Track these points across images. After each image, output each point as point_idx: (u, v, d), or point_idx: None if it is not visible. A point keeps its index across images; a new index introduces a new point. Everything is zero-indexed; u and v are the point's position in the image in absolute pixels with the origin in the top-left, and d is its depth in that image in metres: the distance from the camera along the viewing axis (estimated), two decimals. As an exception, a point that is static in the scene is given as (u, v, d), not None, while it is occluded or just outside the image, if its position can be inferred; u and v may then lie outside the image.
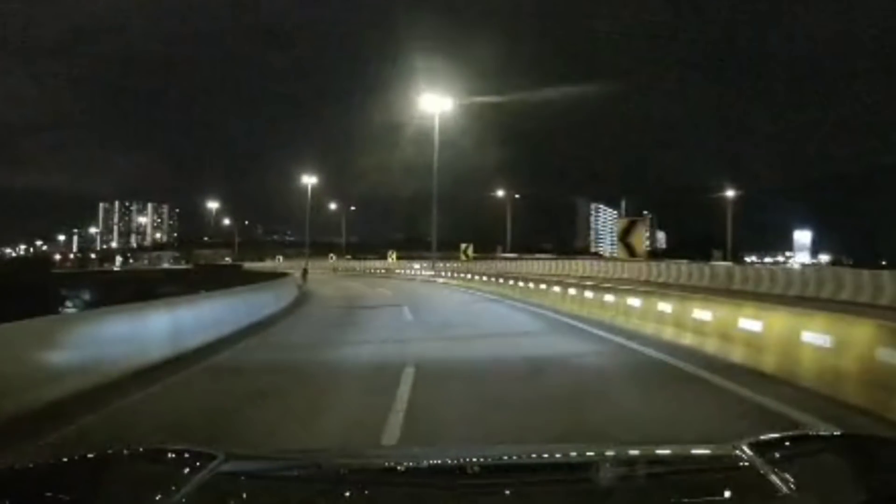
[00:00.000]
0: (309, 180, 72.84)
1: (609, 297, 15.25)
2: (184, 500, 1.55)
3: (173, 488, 1.60)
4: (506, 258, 63.57)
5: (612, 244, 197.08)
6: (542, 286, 21.47)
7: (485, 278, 30.39)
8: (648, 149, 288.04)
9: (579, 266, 47.19)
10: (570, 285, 19.35)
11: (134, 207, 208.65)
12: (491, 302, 22.95)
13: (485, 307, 21.02)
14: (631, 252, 34.02)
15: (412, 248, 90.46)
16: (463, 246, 35.63)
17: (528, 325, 15.39)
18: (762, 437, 2.07)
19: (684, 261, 37.36)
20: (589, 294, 16.75)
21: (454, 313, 18.76)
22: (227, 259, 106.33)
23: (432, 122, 41.00)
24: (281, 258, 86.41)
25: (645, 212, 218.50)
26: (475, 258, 42.51)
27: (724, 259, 59.98)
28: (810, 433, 2.81)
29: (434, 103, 41.46)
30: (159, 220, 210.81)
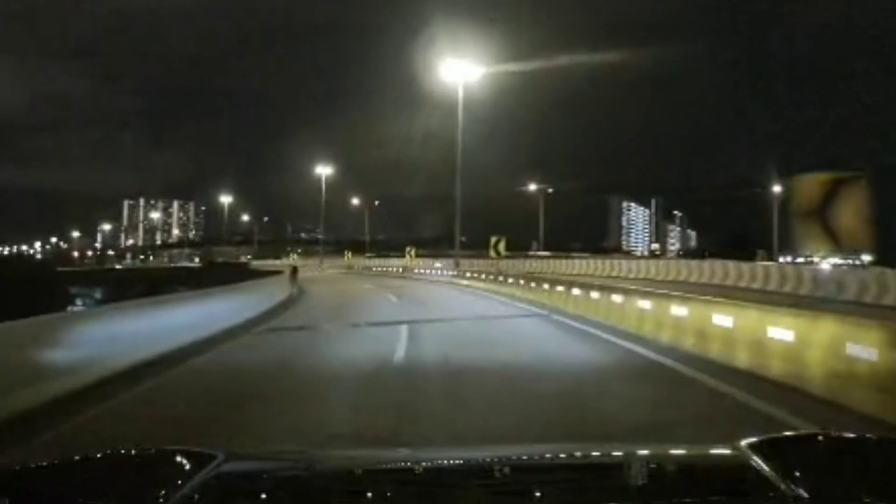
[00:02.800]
0: (323, 171, 66.14)
1: (783, 335, 7.57)
2: (184, 500, 1.49)
3: (173, 488, 1.53)
4: (539, 257, 55.77)
5: (644, 244, 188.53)
6: (616, 297, 13.77)
7: (521, 281, 22.67)
8: (671, 145, 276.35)
9: (625, 266, 39.47)
10: (669, 298, 11.69)
11: (160, 205, 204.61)
12: (539, 321, 15.28)
13: (536, 335, 12.97)
14: (834, 238, 25.14)
15: (440, 246, 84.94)
16: (493, 239, 27.69)
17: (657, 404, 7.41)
18: (762, 437, 1.94)
19: (730, 261, 31.09)
20: (724, 319, 9.07)
21: (483, 344, 11.12)
22: (248, 256, 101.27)
23: (456, 103, 34.62)
24: (295, 256, 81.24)
25: (675, 211, 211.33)
26: (506, 257, 34.67)
27: (769, 259, 54.98)
28: (810, 433, 2.64)
29: (458, 72, 34.76)
30: (185, 218, 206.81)
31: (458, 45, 35.83)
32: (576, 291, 16.52)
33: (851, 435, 2.32)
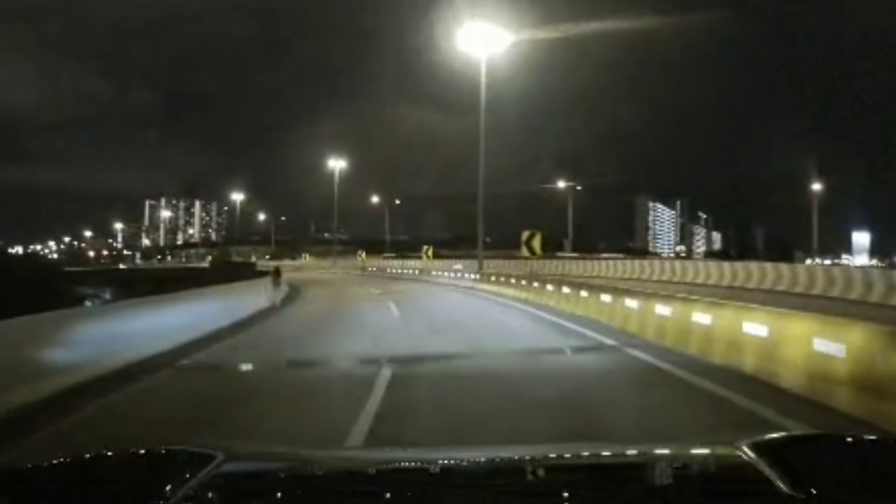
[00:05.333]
0: (336, 164, 60.72)
1: None
2: (184, 500, 1.46)
3: (173, 488, 1.49)
4: (568, 257, 49.63)
5: (670, 245, 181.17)
6: (755, 327, 7.84)
7: (565, 289, 16.62)
8: (697, 144, 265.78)
9: (676, 269, 33.19)
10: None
11: (181, 204, 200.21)
12: (620, 362, 9.24)
13: (640, 406, 6.44)
14: None
15: (462, 246, 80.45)
16: (525, 234, 21.45)
17: None
18: (762, 437, 1.89)
19: (768, 263, 27.80)
20: None
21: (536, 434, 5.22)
22: (266, 256, 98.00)
23: (478, 96, 29.57)
24: (307, 255, 76.87)
25: (700, 213, 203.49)
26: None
27: (809, 260, 51.70)
28: (811, 433, 2.54)
29: (481, 42, 29.31)
30: (207, 218, 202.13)
31: (481, 14, 30.27)
32: (662, 310, 10.58)
33: (851, 435, 2.17)
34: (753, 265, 27.47)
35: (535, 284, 19.19)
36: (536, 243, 21.62)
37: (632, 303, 12.00)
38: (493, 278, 25.72)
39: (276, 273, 21.72)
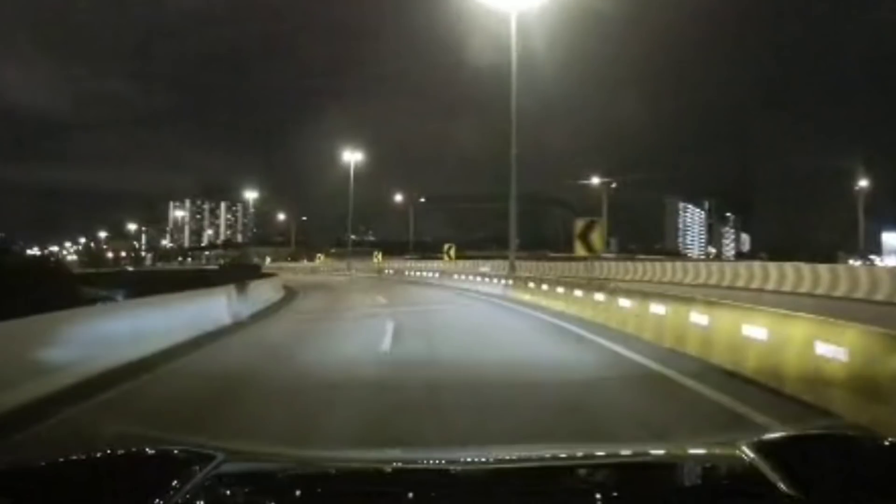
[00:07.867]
0: (352, 157, 55.35)
1: None
2: (184, 500, 1.43)
3: (173, 488, 1.47)
4: (613, 258, 43.60)
5: (699, 246, 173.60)
6: None
7: (656, 307, 10.38)
8: (724, 142, 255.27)
9: (771, 272, 27.16)
10: None
11: (206, 206, 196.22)
12: None
13: None
14: None
15: (491, 246, 75.65)
16: (580, 225, 14.88)
17: None
18: (762, 437, 1.86)
19: (822, 265, 24.57)
20: None
21: None
22: (288, 258, 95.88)
23: (506, 83, 25.65)
24: (322, 256, 73.29)
25: (728, 213, 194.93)
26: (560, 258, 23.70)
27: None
28: (811, 433, 2.33)
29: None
30: (232, 219, 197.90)
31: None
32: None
33: (851, 435, 2.10)
34: (806, 267, 23.54)
35: (599, 297, 13.14)
36: (597, 237, 15.45)
37: (828, 348, 6.07)
38: (530, 284, 19.76)
39: (242, 277, 16.36)
